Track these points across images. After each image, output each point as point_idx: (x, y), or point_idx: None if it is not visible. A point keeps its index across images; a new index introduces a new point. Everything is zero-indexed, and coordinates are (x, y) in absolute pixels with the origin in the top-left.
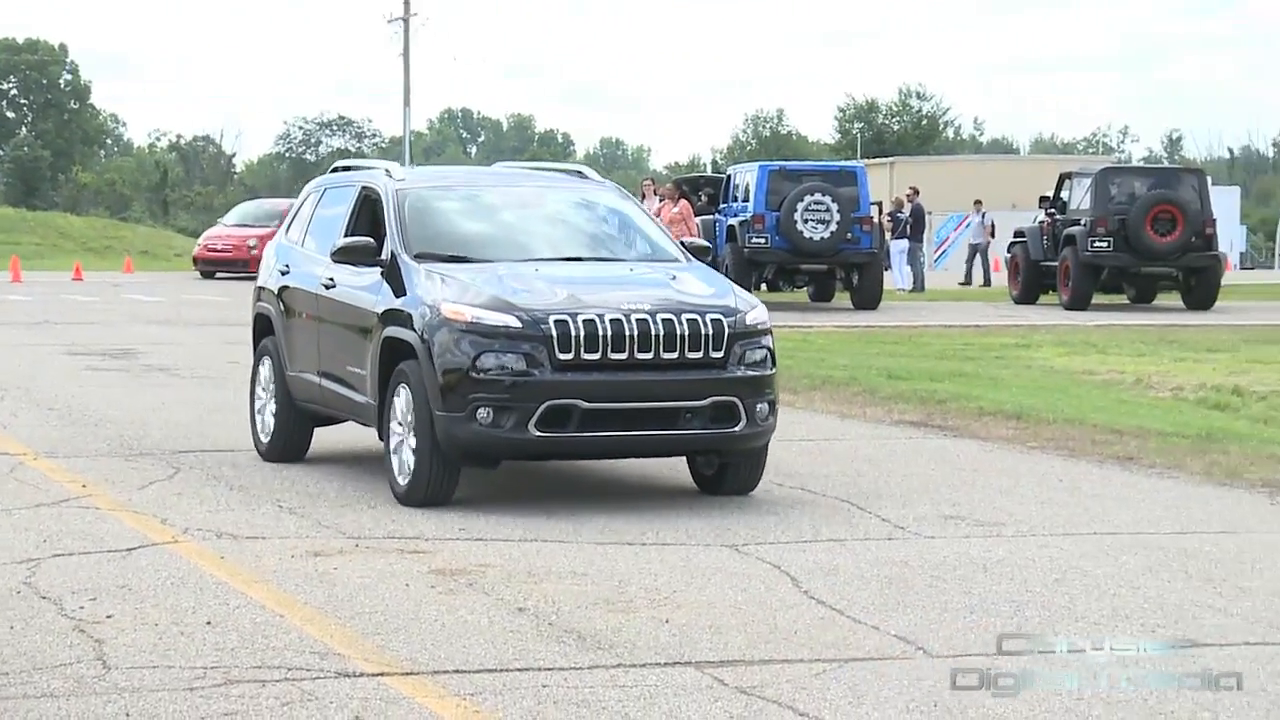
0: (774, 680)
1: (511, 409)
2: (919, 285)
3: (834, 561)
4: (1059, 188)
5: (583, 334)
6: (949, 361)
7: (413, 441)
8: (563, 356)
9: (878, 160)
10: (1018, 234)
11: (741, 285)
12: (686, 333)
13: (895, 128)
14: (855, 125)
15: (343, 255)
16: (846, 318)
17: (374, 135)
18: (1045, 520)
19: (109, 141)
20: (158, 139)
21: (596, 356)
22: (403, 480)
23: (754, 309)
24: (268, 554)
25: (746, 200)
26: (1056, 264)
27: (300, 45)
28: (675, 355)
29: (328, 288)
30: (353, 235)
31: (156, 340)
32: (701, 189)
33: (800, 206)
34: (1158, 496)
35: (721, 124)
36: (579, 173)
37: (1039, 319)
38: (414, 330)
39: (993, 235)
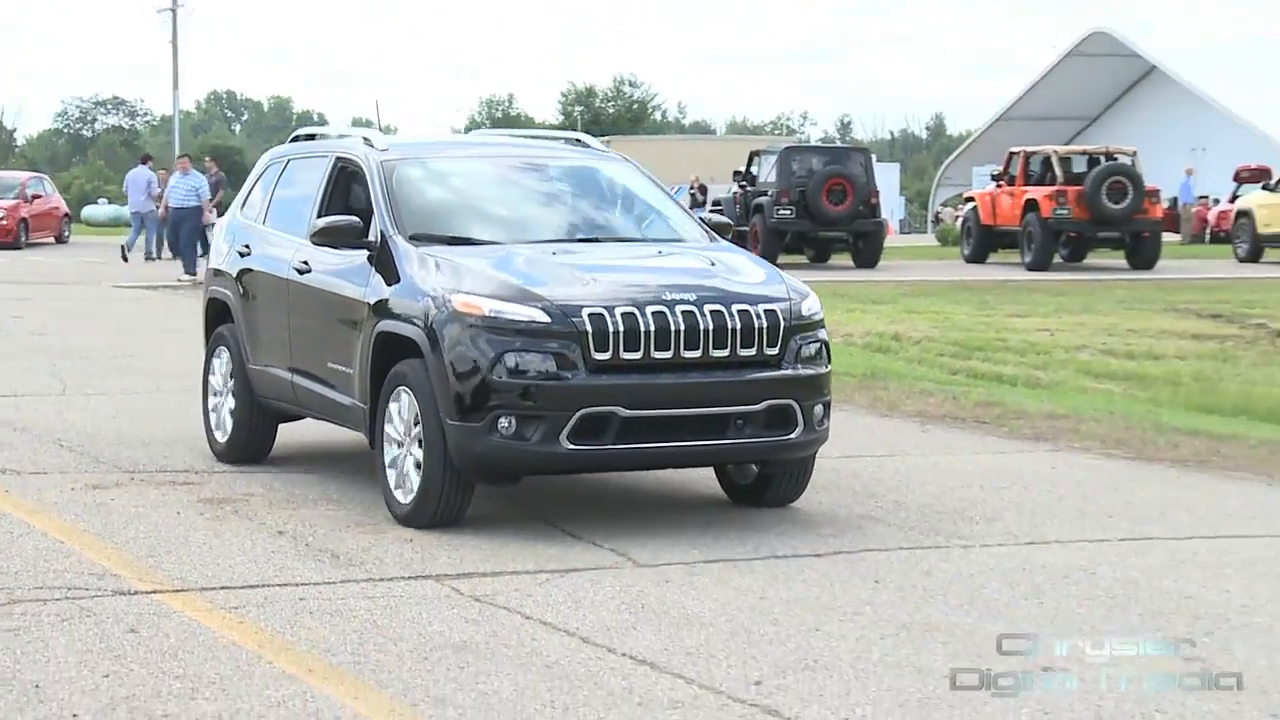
0: (504, 589)
1: (540, 418)
2: None
3: (556, 487)
4: (749, 164)
5: (621, 329)
6: None
7: (416, 454)
8: (599, 356)
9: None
10: (715, 203)
11: None
12: (739, 326)
13: (611, 111)
14: (576, 109)
15: (324, 236)
16: None
17: (146, 114)
18: None
19: None
20: None
21: (637, 356)
22: (404, 498)
23: (806, 298)
24: (49, 488)
25: None
26: (748, 229)
27: (78, 28)
28: (726, 353)
29: (301, 273)
30: (329, 212)
31: None
32: None
33: None
34: (832, 427)
35: (459, 106)
36: (577, 140)
37: None
38: (418, 325)
39: None
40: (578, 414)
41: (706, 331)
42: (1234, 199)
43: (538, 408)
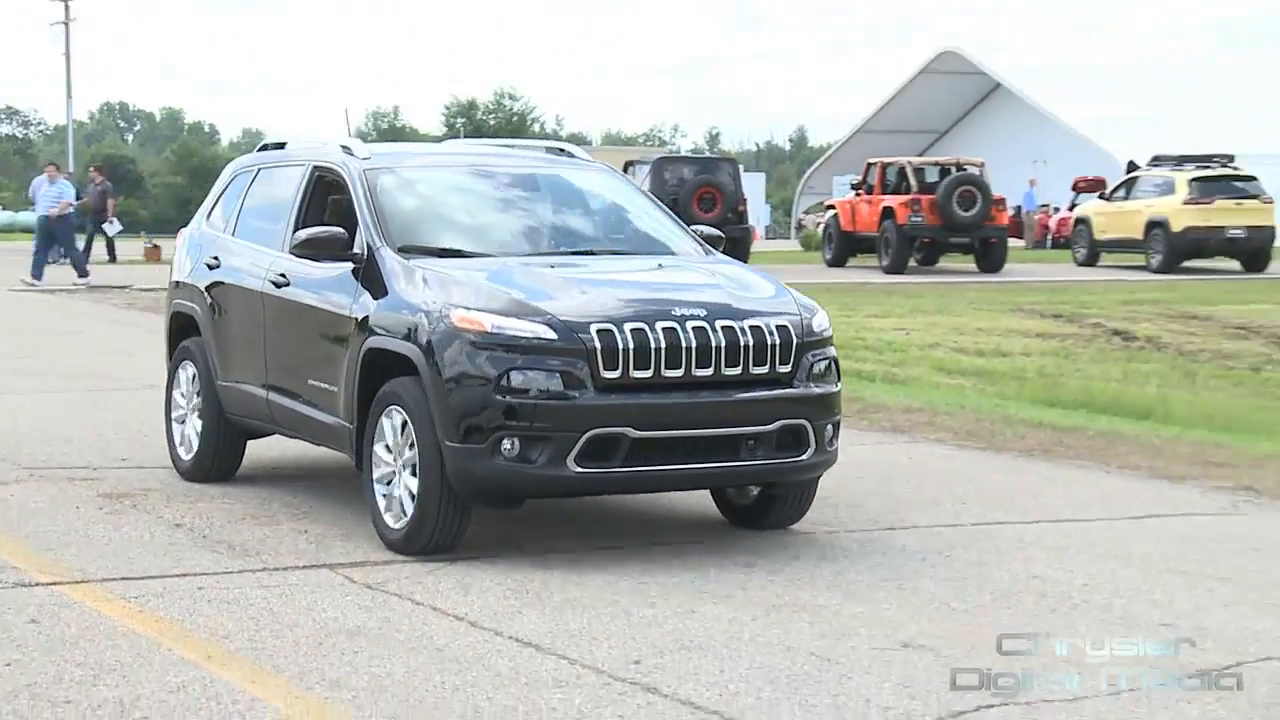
0: (395, 577)
1: (546, 440)
2: None
3: None
4: (624, 173)
5: (631, 346)
6: None
7: (409, 476)
8: (608, 375)
9: None
10: None
11: None
12: (751, 343)
13: (492, 122)
14: (458, 120)
15: (307, 249)
16: None
17: (40, 124)
18: None
19: None
20: None
21: (648, 374)
22: (395, 523)
23: (816, 313)
24: None
25: None
26: None
27: None
28: (738, 371)
29: (278, 285)
30: (306, 223)
31: None
32: None
33: None
34: None
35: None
36: (560, 149)
37: None
38: (412, 342)
39: None
40: (586, 435)
41: (719, 349)
42: (1073, 207)
43: (543, 429)
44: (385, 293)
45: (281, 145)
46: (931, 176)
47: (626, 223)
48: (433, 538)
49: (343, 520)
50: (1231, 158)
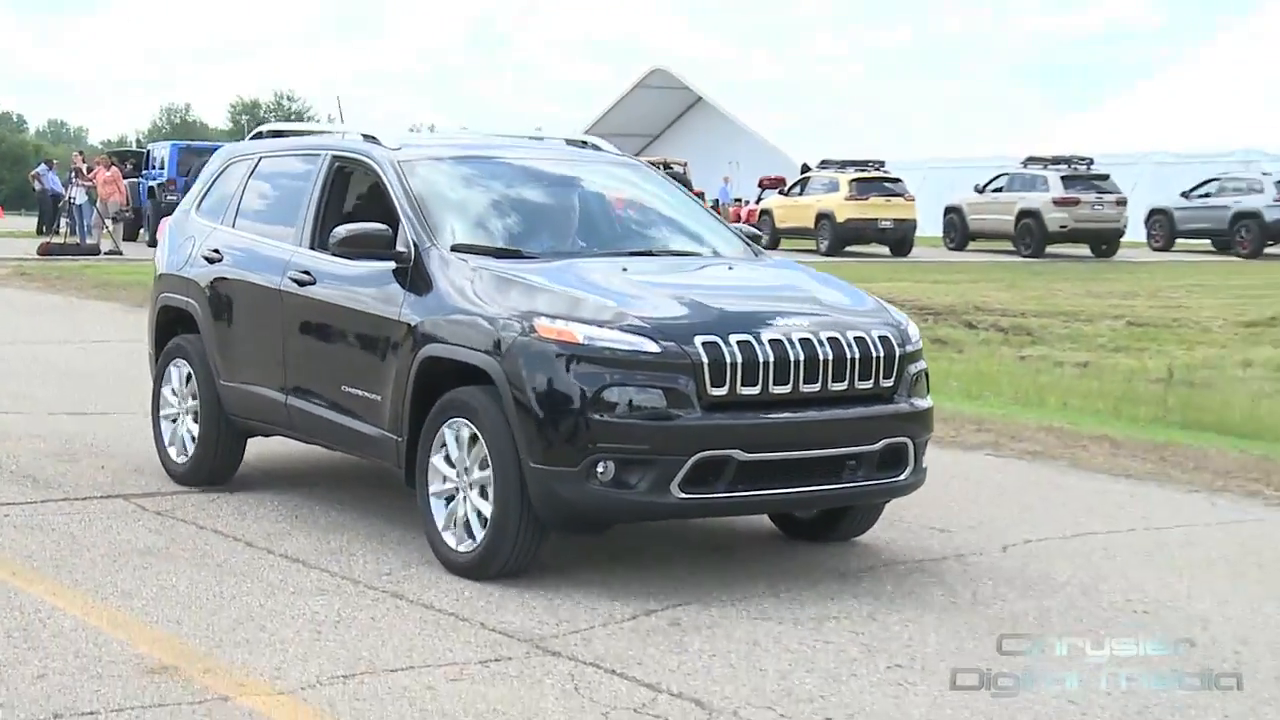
0: (183, 505)
1: (649, 463)
2: None
3: None
4: None
5: (739, 361)
6: None
7: (478, 498)
8: (714, 391)
9: None
10: None
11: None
12: (857, 356)
13: (272, 120)
14: (243, 117)
15: (349, 246)
16: None
17: None
18: None
19: None
20: None
21: (755, 391)
22: (459, 544)
23: (908, 322)
24: None
25: (163, 168)
26: None
27: None
28: (844, 386)
29: (300, 284)
30: (328, 217)
31: None
32: (127, 159)
33: None
34: None
35: (143, 112)
36: (582, 142)
37: None
38: (484, 352)
39: None
40: (694, 459)
41: (825, 362)
42: (759, 201)
43: (645, 451)
44: (442, 296)
45: (278, 133)
46: None
47: (672, 220)
48: (507, 563)
49: (136, 456)
50: (882, 163)
